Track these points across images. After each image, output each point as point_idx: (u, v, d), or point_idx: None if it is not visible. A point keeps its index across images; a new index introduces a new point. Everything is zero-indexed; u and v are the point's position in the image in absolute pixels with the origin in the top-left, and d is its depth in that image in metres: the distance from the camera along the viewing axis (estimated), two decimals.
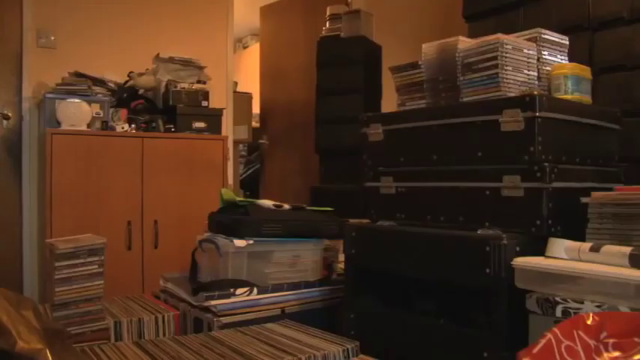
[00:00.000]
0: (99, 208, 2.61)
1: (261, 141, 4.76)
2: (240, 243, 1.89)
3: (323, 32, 3.71)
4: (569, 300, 1.19)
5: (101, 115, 2.69)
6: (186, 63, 3.01)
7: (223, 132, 3.13)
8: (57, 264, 1.56)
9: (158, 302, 1.95)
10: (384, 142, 1.79)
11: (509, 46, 1.55)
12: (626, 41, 2.33)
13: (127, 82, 2.98)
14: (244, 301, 1.78)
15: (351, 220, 1.90)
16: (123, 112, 2.80)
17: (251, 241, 1.91)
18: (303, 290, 1.92)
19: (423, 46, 1.73)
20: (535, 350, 0.93)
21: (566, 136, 1.50)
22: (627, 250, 1.19)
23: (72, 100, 2.62)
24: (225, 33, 3.59)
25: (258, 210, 2.03)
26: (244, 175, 5.16)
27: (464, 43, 1.64)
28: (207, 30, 3.51)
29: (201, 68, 3.07)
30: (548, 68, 1.66)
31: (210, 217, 2.14)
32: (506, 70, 1.54)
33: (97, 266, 1.62)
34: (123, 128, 2.73)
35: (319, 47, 3.69)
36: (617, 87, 2.34)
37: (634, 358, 0.90)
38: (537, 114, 1.39)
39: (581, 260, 1.27)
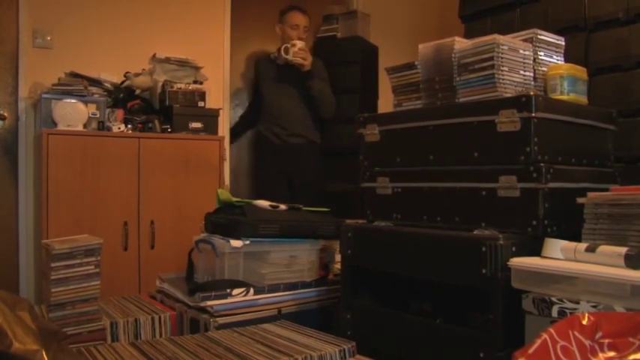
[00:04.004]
0: (95, 209, 2.61)
1: None
2: (236, 243, 1.89)
3: (320, 33, 3.72)
4: (565, 300, 1.20)
5: (97, 116, 2.69)
6: (183, 63, 3.01)
7: (220, 132, 3.13)
8: (53, 264, 1.56)
9: (154, 303, 1.95)
10: (381, 143, 1.79)
11: (506, 47, 1.55)
12: (622, 42, 2.35)
13: (123, 82, 2.98)
14: (241, 301, 1.78)
15: (348, 221, 1.90)
16: (119, 113, 2.80)
17: (247, 242, 1.91)
18: (299, 291, 1.92)
19: (420, 46, 1.73)
20: (531, 350, 0.93)
21: (562, 136, 1.50)
22: (623, 250, 1.19)
23: (68, 100, 2.61)
24: (222, 33, 3.58)
25: (254, 210, 2.03)
26: None
27: (460, 43, 1.64)
28: (203, 30, 3.50)
29: (197, 68, 3.06)
30: (544, 69, 1.66)
31: (207, 217, 2.13)
32: (502, 70, 1.54)
33: (93, 267, 1.62)
34: (119, 128, 2.73)
35: (316, 47, 3.70)
36: (612, 87, 2.36)
37: (629, 358, 0.90)
38: (533, 114, 1.40)
39: (576, 260, 1.27)
